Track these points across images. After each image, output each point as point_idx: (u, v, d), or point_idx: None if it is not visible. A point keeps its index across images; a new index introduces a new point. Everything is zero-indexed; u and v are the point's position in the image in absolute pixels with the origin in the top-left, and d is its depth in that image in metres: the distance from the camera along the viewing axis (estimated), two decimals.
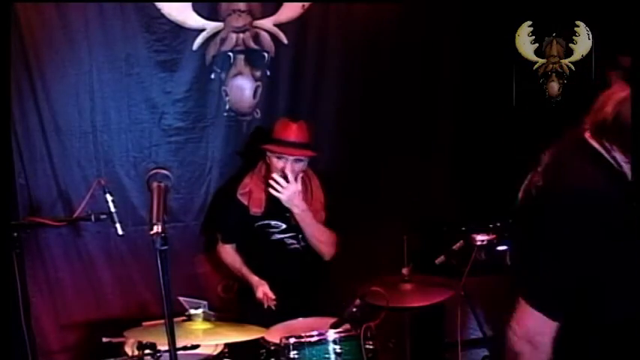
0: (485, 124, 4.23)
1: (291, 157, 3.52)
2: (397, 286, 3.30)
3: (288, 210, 3.56)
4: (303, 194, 3.55)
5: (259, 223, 3.61)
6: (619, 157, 1.91)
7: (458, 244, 3.42)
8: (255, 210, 3.59)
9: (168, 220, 2.29)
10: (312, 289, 3.63)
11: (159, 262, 2.17)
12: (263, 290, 3.48)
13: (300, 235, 3.62)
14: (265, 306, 3.45)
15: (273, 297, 3.46)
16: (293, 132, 3.54)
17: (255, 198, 3.60)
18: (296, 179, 3.49)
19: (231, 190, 3.67)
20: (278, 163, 3.53)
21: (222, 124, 3.90)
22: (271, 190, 3.49)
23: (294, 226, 3.60)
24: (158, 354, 2.74)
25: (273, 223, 3.61)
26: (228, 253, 3.71)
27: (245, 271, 3.62)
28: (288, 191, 3.48)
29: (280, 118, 3.67)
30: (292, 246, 3.64)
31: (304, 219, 3.55)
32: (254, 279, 3.56)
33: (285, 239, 3.63)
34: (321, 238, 3.62)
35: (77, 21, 3.61)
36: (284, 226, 3.61)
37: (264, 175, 3.62)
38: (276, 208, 3.58)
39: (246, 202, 3.61)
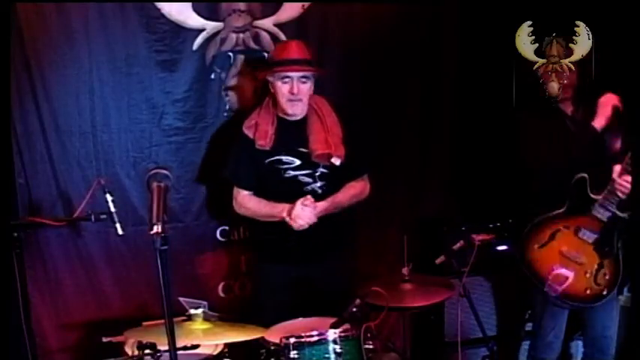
0: (485, 124, 4.23)
1: (295, 75, 3.35)
2: (397, 286, 3.30)
3: (302, 145, 3.39)
4: (318, 133, 3.37)
5: (269, 159, 3.40)
6: None
7: (458, 244, 3.42)
8: (261, 143, 3.38)
9: (168, 220, 2.29)
10: (332, 234, 3.47)
11: (159, 262, 2.18)
12: (302, 203, 3.30)
13: (317, 174, 3.43)
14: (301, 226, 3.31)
15: (311, 200, 3.31)
16: (293, 49, 3.39)
17: (262, 130, 3.38)
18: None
19: (236, 125, 3.49)
20: (283, 87, 3.35)
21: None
22: (294, 224, 3.32)
23: (310, 163, 3.41)
24: (158, 354, 2.73)
25: (284, 158, 3.41)
26: (250, 199, 3.49)
27: (273, 207, 3.40)
28: (306, 217, 3.31)
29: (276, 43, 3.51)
30: (309, 186, 3.42)
31: (333, 209, 3.41)
32: (282, 207, 3.36)
33: (300, 177, 3.42)
34: (353, 200, 3.51)
35: (77, 21, 3.61)
36: (298, 162, 3.41)
37: (272, 107, 3.45)
38: (287, 142, 3.39)
39: (251, 136, 3.41)
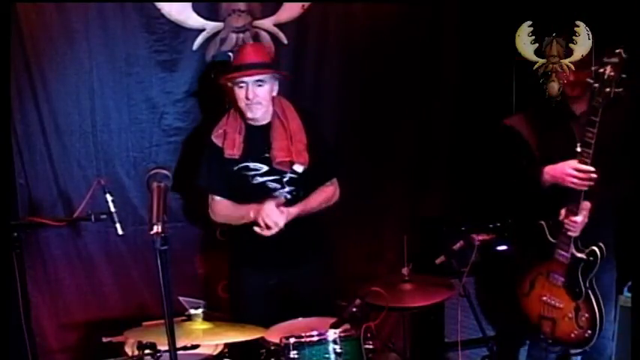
0: (485, 124, 4.23)
1: (250, 80, 3.28)
2: (397, 286, 3.31)
3: (267, 151, 3.36)
4: (281, 140, 3.34)
5: (238, 166, 3.37)
6: None
7: (458, 244, 3.42)
8: (230, 152, 3.36)
9: (168, 220, 2.29)
10: (309, 238, 3.45)
11: (159, 262, 2.18)
12: (273, 202, 3.26)
13: (284, 179, 3.38)
14: (270, 227, 3.24)
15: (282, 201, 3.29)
16: (246, 54, 3.35)
17: (230, 138, 3.36)
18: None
19: (205, 133, 3.46)
20: (240, 92, 3.30)
21: None
22: (262, 231, 3.26)
23: (275, 170, 3.37)
24: (158, 354, 2.73)
25: (252, 165, 3.37)
26: (224, 206, 3.45)
27: (242, 209, 3.36)
28: (277, 226, 3.25)
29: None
30: (277, 192, 3.38)
31: (301, 213, 3.35)
32: (250, 206, 3.31)
33: (268, 183, 3.38)
34: (323, 205, 3.45)
35: (77, 21, 3.62)
36: (265, 168, 3.37)
37: (239, 114, 3.40)
38: (254, 148, 3.37)
39: (220, 144, 3.38)
